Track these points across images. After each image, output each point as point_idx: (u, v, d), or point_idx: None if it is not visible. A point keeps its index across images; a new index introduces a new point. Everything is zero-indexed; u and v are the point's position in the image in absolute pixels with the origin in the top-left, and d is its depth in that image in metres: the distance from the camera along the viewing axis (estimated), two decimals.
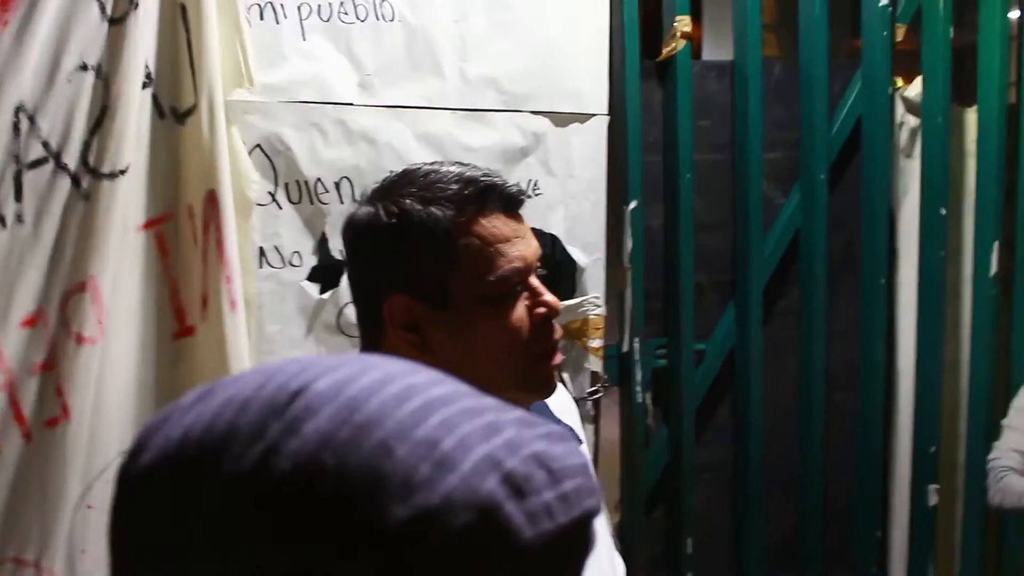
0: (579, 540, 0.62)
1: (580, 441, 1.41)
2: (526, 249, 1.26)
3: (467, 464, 0.57)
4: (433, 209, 1.24)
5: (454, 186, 1.25)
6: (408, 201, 1.25)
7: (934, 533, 3.36)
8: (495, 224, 1.25)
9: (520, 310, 1.25)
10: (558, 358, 1.30)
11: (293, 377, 0.60)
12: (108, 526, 0.62)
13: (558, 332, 1.29)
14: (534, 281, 1.27)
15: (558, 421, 1.40)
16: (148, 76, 2.20)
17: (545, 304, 1.26)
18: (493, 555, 0.56)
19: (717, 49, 3.14)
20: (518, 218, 1.28)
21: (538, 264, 1.29)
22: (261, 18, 2.34)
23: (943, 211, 3.25)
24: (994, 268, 3.26)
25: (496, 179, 1.27)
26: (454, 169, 1.27)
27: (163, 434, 0.60)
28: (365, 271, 1.31)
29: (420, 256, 1.25)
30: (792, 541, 3.22)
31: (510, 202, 1.27)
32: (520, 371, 1.26)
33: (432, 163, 1.30)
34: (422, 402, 0.59)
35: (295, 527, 0.55)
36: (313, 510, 0.55)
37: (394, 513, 0.54)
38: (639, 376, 2.89)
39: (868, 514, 3.29)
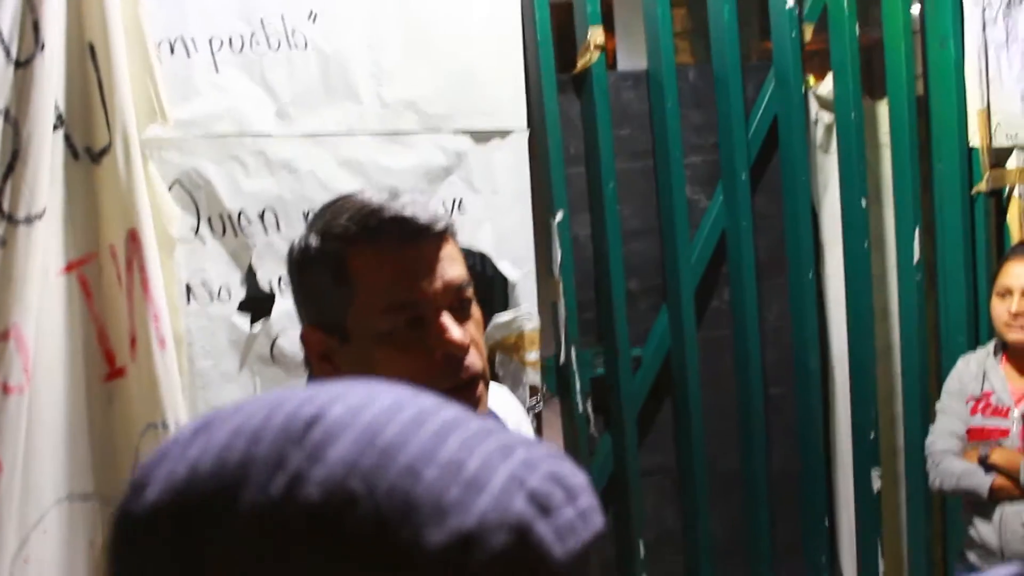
0: (590, 557, 0.61)
1: None
2: (428, 282, 1.20)
3: (495, 484, 0.56)
4: (328, 243, 1.22)
5: (347, 219, 1.21)
6: (312, 235, 1.24)
7: (880, 518, 3.41)
8: (388, 258, 1.20)
9: (417, 348, 1.20)
10: (479, 389, 1.24)
11: (303, 405, 0.58)
12: (108, 570, 0.59)
13: (474, 366, 1.22)
14: (442, 318, 1.20)
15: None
16: (59, 118, 2.17)
17: (444, 344, 1.20)
18: (530, 573, 0.55)
19: (631, 58, 3.18)
20: (425, 249, 1.22)
21: (457, 293, 1.23)
22: (172, 52, 2.33)
23: (864, 203, 3.31)
24: (917, 255, 3.33)
25: (396, 209, 1.21)
26: (362, 199, 1.23)
27: (166, 469, 0.57)
28: (293, 300, 1.31)
29: (320, 291, 1.24)
30: (742, 537, 3.24)
31: (411, 233, 1.21)
32: None
33: (349, 194, 1.27)
34: (439, 424, 0.58)
35: (331, 558, 0.53)
36: (348, 539, 0.53)
37: (431, 538, 0.53)
38: (578, 386, 2.90)
39: (814, 504, 3.33)
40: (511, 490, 0.56)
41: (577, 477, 0.61)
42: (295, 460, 0.55)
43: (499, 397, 1.48)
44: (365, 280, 1.21)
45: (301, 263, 1.25)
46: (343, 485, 0.54)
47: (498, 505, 0.55)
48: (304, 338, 1.28)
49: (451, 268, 1.23)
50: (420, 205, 1.23)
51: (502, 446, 0.59)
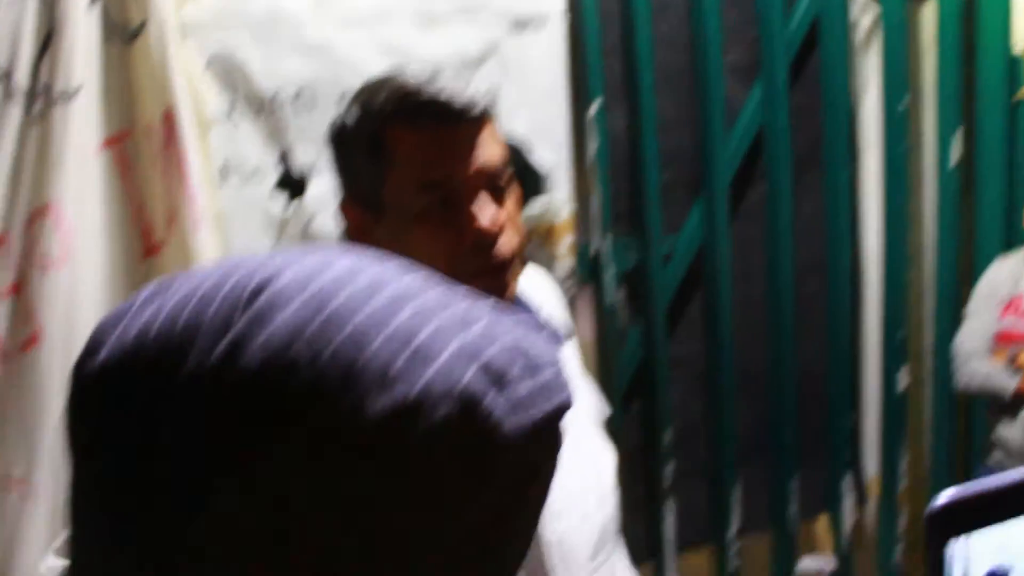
0: (556, 432, 0.60)
1: (565, 336, 1.41)
2: (462, 163, 1.21)
3: (445, 355, 0.55)
4: (366, 120, 1.23)
5: (385, 97, 1.22)
6: (352, 109, 1.26)
7: (905, 418, 3.43)
8: (424, 137, 1.21)
9: (449, 228, 1.22)
10: (508, 273, 1.25)
11: (255, 271, 0.57)
12: (65, 427, 0.59)
13: (504, 249, 1.23)
14: (476, 200, 1.22)
15: (542, 319, 1.40)
16: None
17: (473, 226, 1.21)
18: (475, 446, 0.54)
19: None
20: (462, 131, 1.22)
21: (492, 176, 1.23)
22: None
23: (903, 105, 3.27)
24: (955, 158, 3.30)
25: (433, 91, 1.21)
26: (399, 79, 1.24)
27: (118, 332, 0.57)
28: (334, 176, 1.33)
29: (357, 166, 1.26)
30: (766, 432, 3.28)
31: (448, 114, 1.21)
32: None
33: (391, 72, 1.28)
34: (394, 293, 0.57)
35: (268, 423, 0.52)
36: (286, 405, 0.52)
37: (372, 405, 0.52)
38: (610, 275, 2.91)
39: (839, 403, 3.35)
40: (462, 361, 0.55)
41: (544, 350, 0.60)
42: (239, 326, 0.54)
43: (537, 282, 1.49)
44: (400, 158, 1.22)
45: (339, 138, 1.28)
46: (284, 352, 0.53)
47: (445, 375, 0.54)
48: (343, 210, 1.31)
49: (487, 150, 1.23)
50: (459, 87, 1.23)
51: (463, 315, 0.58)
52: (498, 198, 1.25)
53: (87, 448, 0.58)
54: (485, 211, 1.22)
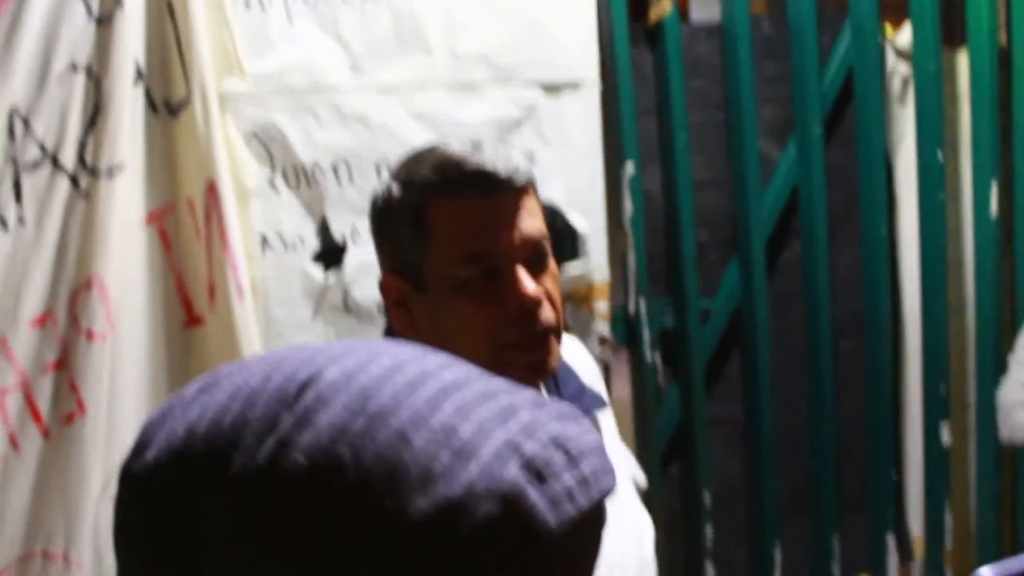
0: (598, 521, 0.61)
1: (604, 403, 1.42)
2: (505, 234, 1.22)
3: (487, 451, 0.55)
4: (409, 193, 1.25)
5: (429, 169, 1.24)
6: (395, 184, 1.27)
7: (948, 473, 3.39)
8: (467, 209, 1.23)
9: (491, 299, 1.23)
10: (551, 342, 1.26)
11: (301, 367, 0.58)
12: (114, 527, 0.60)
13: (547, 319, 1.25)
14: (516, 270, 1.23)
15: (583, 387, 1.41)
16: (138, 72, 2.22)
17: (518, 295, 1.22)
18: (519, 544, 0.54)
19: (704, 9, 3.15)
20: (505, 202, 1.24)
21: (534, 247, 1.25)
22: (247, 7, 2.36)
23: (940, 155, 3.26)
24: (994, 209, 3.28)
25: (476, 162, 1.23)
26: (444, 151, 1.26)
27: (167, 429, 0.58)
28: (375, 249, 1.35)
29: (399, 239, 1.27)
30: (808, 490, 3.25)
31: (492, 185, 1.23)
32: (492, 360, 1.22)
33: (433, 145, 1.30)
34: (436, 388, 0.58)
35: (314, 523, 0.53)
36: (332, 505, 0.53)
37: (416, 505, 0.53)
38: (647, 336, 2.91)
39: (882, 457, 3.31)
40: (504, 456, 0.55)
41: (585, 440, 0.60)
42: (285, 424, 0.55)
43: (573, 351, 1.50)
44: (444, 229, 1.23)
45: (382, 211, 1.29)
46: (330, 451, 0.54)
47: (488, 472, 0.54)
48: (383, 285, 1.32)
49: (529, 221, 1.25)
50: (502, 158, 1.25)
51: (503, 409, 0.58)
52: (538, 269, 1.26)
53: (136, 543, 0.59)
54: (528, 280, 1.23)
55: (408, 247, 1.27)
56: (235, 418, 0.56)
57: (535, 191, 1.29)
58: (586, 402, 1.39)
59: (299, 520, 0.53)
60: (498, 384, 0.62)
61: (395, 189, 1.27)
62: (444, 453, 0.54)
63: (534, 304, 1.23)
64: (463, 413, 0.57)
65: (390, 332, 1.34)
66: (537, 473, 0.56)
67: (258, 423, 0.56)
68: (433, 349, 0.64)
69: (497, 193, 1.24)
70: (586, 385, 1.41)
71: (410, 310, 1.29)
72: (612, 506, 1.44)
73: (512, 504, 0.54)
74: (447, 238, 1.24)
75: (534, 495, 0.55)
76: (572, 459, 0.58)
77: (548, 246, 1.28)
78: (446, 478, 0.54)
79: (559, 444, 0.58)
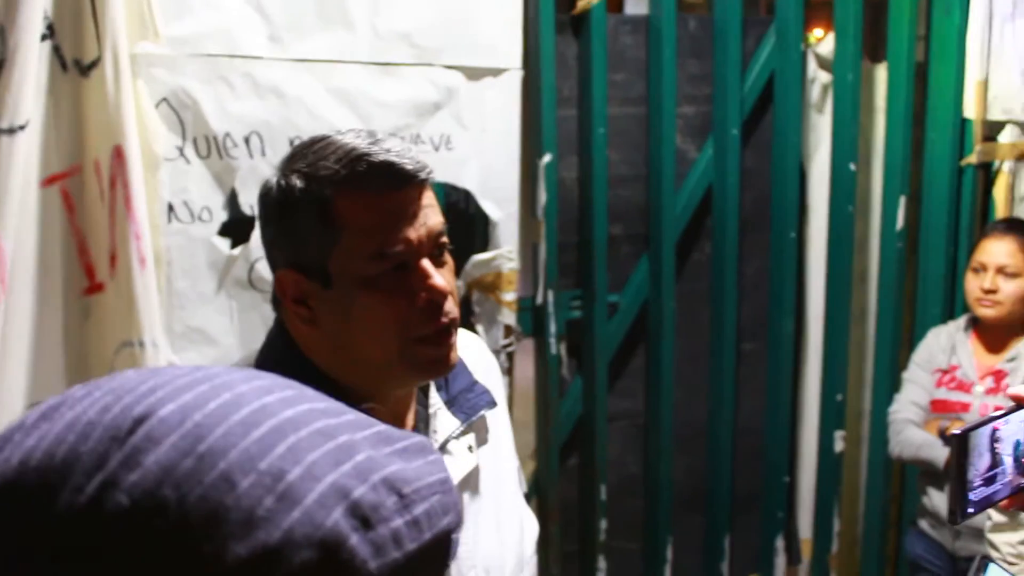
0: (435, 558, 0.61)
1: (493, 402, 1.41)
2: (413, 229, 1.21)
3: (312, 496, 0.55)
4: (314, 186, 1.21)
5: (335, 162, 1.20)
6: (294, 176, 1.22)
7: (840, 478, 3.47)
8: (376, 203, 1.20)
9: (400, 293, 1.21)
10: (452, 337, 1.26)
11: (139, 400, 0.57)
12: None
13: (451, 313, 1.24)
14: (423, 263, 1.22)
15: (474, 383, 1.41)
16: (49, 28, 2.15)
17: (428, 289, 1.22)
18: None
19: (639, 3, 3.15)
20: (411, 194, 1.22)
21: (437, 240, 1.24)
22: None
23: (853, 166, 3.32)
24: (900, 222, 3.35)
25: (383, 155, 1.20)
26: (347, 142, 1.22)
27: (3, 457, 0.57)
28: (264, 241, 1.30)
29: (302, 233, 1.23)
30: (702, 487, 3.30)
31: (399, 179, 1.21)
32: (402, 354, 1.23)
33: (332, 134, 1.25)
34: (271, 427, 0.57)
35: (131, 566, 0.52)
36: (150, 548, 0.52)
37: (234, 550, 0.52)
38: (553, 328, 2.92)
39: (776, 460, 3.38)
40: (329, 502, 0.55)
41: (425, 479, 0.60)
42: (113, 462, 0.54)
43: (468, 345, 1.50)
44: (352, 224, 1.20)
45: (282, 204, 1.24)
46: (154, 492, 0.53)
47: (309, 518, 0.54)
48: (279, 281, 1.27)
49: (433, 215, 1.24)
50: (405, 150, 1.23)
51: (339, 449, 0.58)
52: (440, 262, 1.26)
53: None
54: (435, 274, 1.23)
55: (313, 242, 1.22)
56: (67, 452, 0.55)
57: (432, 184, 1.28)
58: (473, 399, 1.39)
59: (117, 562, 0.52)
60: (345, 420, 0.61)
61: (296, 181, 1.22)
62: (268, 498, 0.54)
63: (442, 296, 1.23)
64: (295, 455, 0.56)
65: (281, 328, 1.31)
66: (363, 518, 0.56)
67: (88, 459, 0.54)
68: (285, 382, 0.63)
69: (403, 186, 1.21)
70: (476, 381, 1.41)
71: (310, 307, 1.26)
72: (495, 497, 1.44)
73: (331, 551, 0.54)
74: (356, 233, 1.20)
75: (355, 540, 0.55)
76: (405, 501, 0.58)
77: (446, 239, 1.28)
78: (267, 524, 0.53)
79: (392, 486, 0.58)
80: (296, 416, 0.59)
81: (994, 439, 1.14)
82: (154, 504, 0.53)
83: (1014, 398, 1.17)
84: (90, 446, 0.55)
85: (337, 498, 0.56)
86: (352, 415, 0.62)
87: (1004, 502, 1.17)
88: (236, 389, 0.59)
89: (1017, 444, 1.17)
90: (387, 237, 1.20)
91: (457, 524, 0.61)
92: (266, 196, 1.27)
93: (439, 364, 1.26)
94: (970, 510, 1.13)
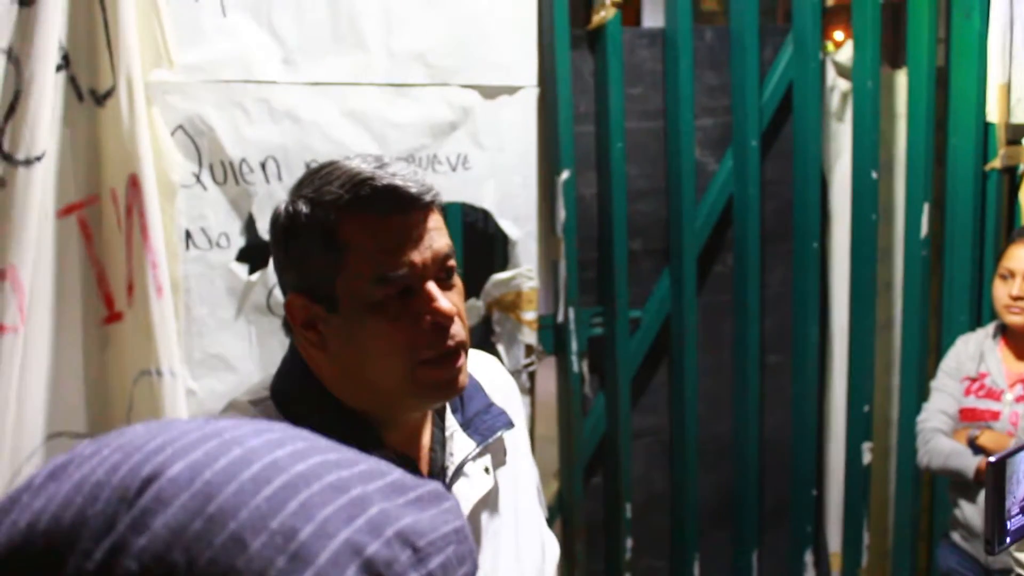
0: None
1: (510, 423, 1.40)
2: (417, 252, 1.21)
3: (325, 555, 0.54)
4: (319, 211, 1.21)
5: (340, 187, 1.20)
6: (301, 201, 1.23)
7: (868, 490, 3.43)
8: (381, 227, 1.20)
9: (406, 317, 1.21)
10: (461, 359, 1.25)
11: (148, 458, 0.56)
12: None
13: (457, 336, 1.24)
14: (428, 287, 1.22)
15: (490, 404, 1.40)
16: (64, 58, 2.15)
17: (433, 312, 1.21)
18: None
19: (656, 16, 3.13)
20: (416, 218, 1.22)
21: (444, 263, 1.24)
22: None
23: (875, 174, 3.29)
24: (925, 229, 3.31)
25: (387, 179, 1.20)
26: (352, 167, 1.22)
27: (11, 520, 0.56)
28: (275, 267, 1.31)
29: (309, 259, 1.23)
30: (729, 502, 3.27)
31: (403, 202, 1.21)
32: (409, 378, 1.22)
33: (340, 159, 1.26)
34: (283, 483, 0.56)
35: None
36: None
37: None
38: (574, 346, 2.90)
39: (804, 474, 3.34)
40: (342, 561, 0.54)
41: (440, 529, 0.59)
42: (122, 525, 0.53)
43: (484, 367, 1.49)
44: (356, 248, 1.20)
45: (289, 229, 1.25)
46: (164, 556, 0.52)
47: None
48: (288, 306, 1.28)
49: (439, 238, 1.24)
50: (411, 174, 1.23)
51: (352, 503, 0.57)
52: (447, 285, 1.25)
53: None
54: (441, 297, 1.22)
55: (319, 267, 1.23)
56: (75, 515, 0.54)
57: (440, 207, 1.28)
58: (490, 420, 1.38)
59: None
60: (356, 471, 0.60)
61: (303, 207, 1.23)
62: (280, 559, 0.53)
63: (448, 320, 1.22)
64: (307, 512, 0.55)
65: (295, 354, 1.31)
66: (377, 575, 0.55)
67: (96, 522, 0.54)
68: (297, 433, 0.62)
69: (408, 210, 1.22)
70: (492, 403, 1.40)
71: (319, 331, 1.26)
72: (514, 527, 1.43)
73: None
74: (361, 257, 1.21)
75: None
76: (420, 555, 0.57)
77: (454, 262, 1.27)
78: None
79: (407, 540, 0.57)
80: (308, 470, 0.58)
81: None
82: (164, 569, 0.52)
83: None
84: (98, 508, 0.54)
85: (350, 555, 0.54)
86: (365, 464, 0.61)
87: None
88: (247, 444, 0.58)
89: None
90: (391, 261, 1.20)
91: (472, 573, 0.60)
92: (275, 222, 1.28)
93: (447, 387, 1.25)
94: (1008, 539, 1.10)
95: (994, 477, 1.08)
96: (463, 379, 1.27)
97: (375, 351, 1.22)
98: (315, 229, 1.21)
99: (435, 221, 1.25)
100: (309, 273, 1.24)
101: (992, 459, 1.08)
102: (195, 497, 0.54)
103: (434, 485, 0.63)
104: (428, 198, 1.23)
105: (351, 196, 1.20)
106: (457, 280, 1.28)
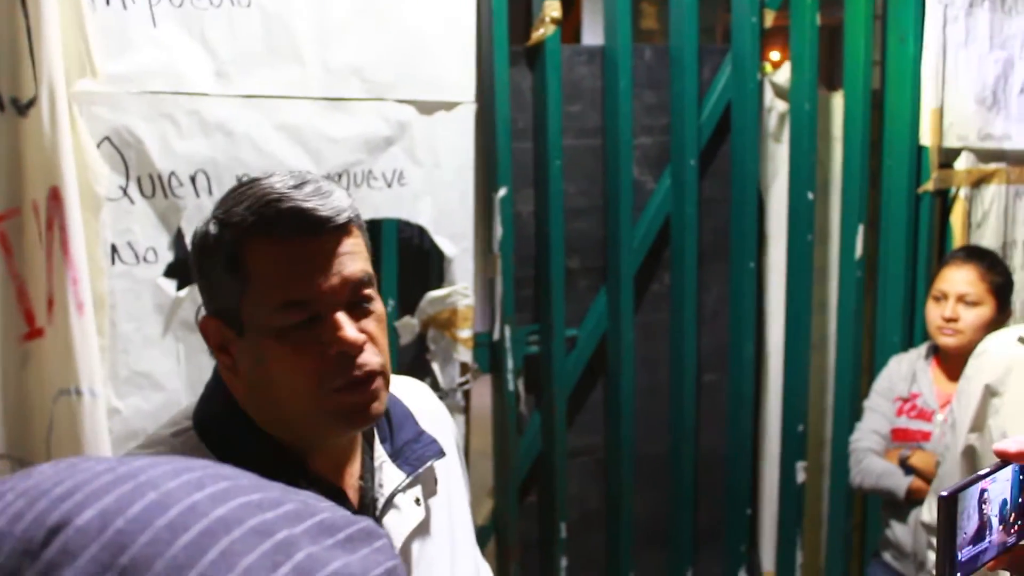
0: None
1: (440, 452, 1.37)
2: (323, 278, 1.17)
3: None
4: (226, 232, 1.17)
5: (246, 208, 1.16)
6: (212, 222, 1.20)
7: (802, 509, 3.44)
8: (284, 252, 1.16)
9: (312, 345, 1.17)
10: (374, 385, 1.21)
11: (54, 505, 0.52)
12: None
13: (367, 364, 1.20)
14: (336, 315, 1.18)
15: (420, 433, 1.37)
16: None
17: (338, 341, 1.17)
18: None
19: (596, 33, 3.12)
20: (323, 243, 1.18)
21: (356, 290, 1.19)
22: (107, 3, 2.23)
23: (811, 195, 3.31)
24: (859, 250, 3.34)
25: (293, 201, 1.15)
26: (264, 187, 1.17)
27: None
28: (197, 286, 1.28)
29: (217, 280, 1.20)
30: (664, 521, 3.26)
31: (309, 226, 1.16)
32: (317, 406, 1.18)
33: (262, 177, 1.21)
34: (201, 530, 0.53)
35: None
36: None
37: None
38: (510, 364, 2.88)
39: (738, 492, 3.35)
40: None
41: (371, 571, 0.57)
42: None
43: (414, 393, 1.46)
44: (259, 273, 1.17)
45: (200, 249, 1.21)
46: None
47: None
48: (203, 328, 1.25)
49: (351, 263, 1.19)
50: (324, 195, 1.18)
51: (276, 548, 0.54)
52: (361, 312, 1.21)
53: None
54: (348, 326, 1.18)
55: (226, 290, 1.19)
56: None
57: (361, 229, 1.23)
58: (420, 450, 1.34)
59: None
60: (281, 513, 0.56)
61: (212, 227, 1.19)
62: None
63: (354, 349, 1.18)
64: (228, 560, 0.52)
65: (218, 377, 1.27)
66: None
67: None
68: (218, 470, 0.58)
69: (314, 234, 1.17)
70: (423, 431, 1.37)
71: (231, 354, 1.22)
72: (449, 556, 1.40)
73: None
74: (263, 282, 1.16)
75: None
76: None
77: (372, 288, 1.22)
78: None
79: None
80: (228, 514, 0.54)
81: (982, 499, 1.11)
82: None
83: (1000, 454, 1.13)
84: (2, 559, 0.50)
85: None
86: (291, 504, 0.58)
87: (991, 563, 1.14)
88: (163, 487, 0.54)
89: (1004, 503, 1.13)
90: (292, 287, 1.16)
91: None
92: (192, 241, 1.24)
93: (360, 412, 1.21)
94: (959, 574, 1.09)
95: (946, 511, 1.06)
96: (377, 406, 1.22)
97: (281, 378, 1.18)
98: (221, 251, 1.18)
99: (349, 245, 1.20)
100: (217, 295, 1.21)
101: (944, 493, 1.06)
102: (106, 548, 0.50)
103: (365, 523, 0.60)
104: (339, 221, 1.18)
105: (254, 219, 1.16)
106: (376, 306, 1.23)
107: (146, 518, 0.52)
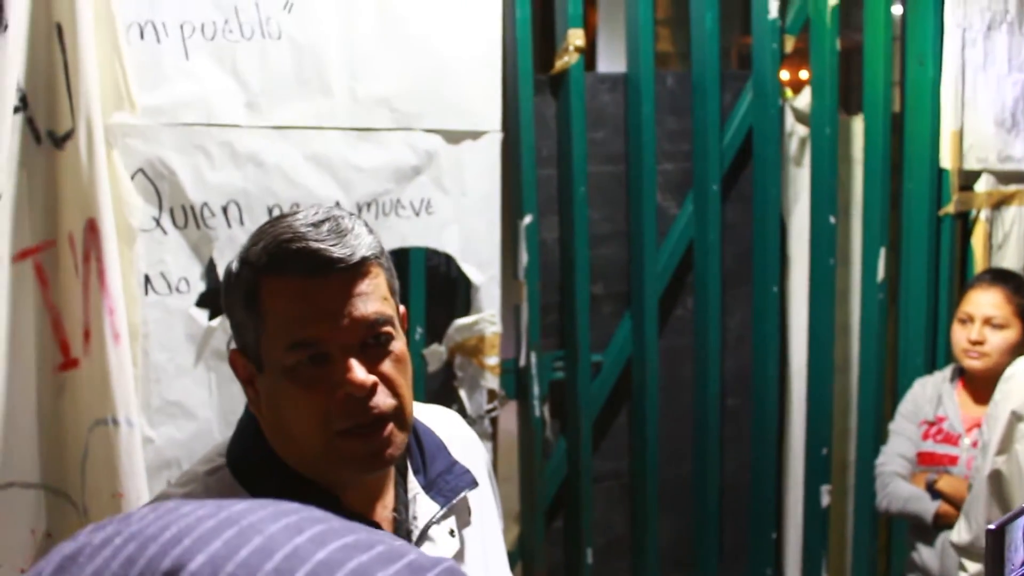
0: None
1: (474, 482, 1.38)
2: (333, 319, 1.17)
3: None
4: (245, 271, 1.20)
5: (263, 247, 1.18)
6: (236, 259, 1.23)
7: (827, 532, 3.44)
8: (295, 292, 1.17)
9: (322, 385, 1.17)
10: (386, 430, 1.20)
11: (165, 550, 0.54)
12: None
13: (378, 407, 1.19)
14: (345, 357, 1.17)
15: (453, 464, 1.37)
16: (22, 100, 2.11)
17: (346, 383, 1.16)
18: None
19: (611, 60, 3.15)
20: (335, 282, 1.17)
21: (369, 330, 1.19)
22: (141, 37, 2.26)
23: (832, 219, 3.32)
24: (881, 273, 3.35)
25: (307, 241, 1.16)
26: (285, 225, 1.18)
27: None
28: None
29: (239, 316, 1.22)
30: (690, 545, 3.26)
31: (320, 266, 1.16)
32: (327, 448, 1.19)
33: (284, 216, 1.22)
34: (305, 574, 0.55)
35: None
36: None
37: None
38: (536, 390, 2.89)
39: (763, 516, 3.35)
40: None
41: None
42: None
43: (446, 423, 1.45)
44: (273, 312, 1.18)
45: (225, 286, 1.24)
46: None
47: None
48: (231, 361, 1.27)
49: (363, 305, 1.19)
50: (340, 234, 1.18)
51: None
52: (377, 353, 1.20)
53: None
54: (357, 368, 1.17)
55: (246, 326, 1.21)
56: None
57: (382, 267, 1.23)
58: (453, 481, 1.35)
59: None
60: (375, 554, 0.58)
61: (234, 264, 1.22)
62: None
63: (362, 391, 1.17)
64: None
65: (249, 412, 1.28)
66: None
67: None
68: (313, 517, 0.60)
69: (325, 274, 1.17)
70: (455, 462, 1.37)
71: (256, 389, 1.24)
72: (482, 568, 1.40)
73: None
74: (276, 322, 1.17)
75: None
76: None
77: (393, 327, 1.21)
78: None
79: None
80: (329, 558, 0.56)
81: None
82: None
83: None
84: None
85: None
86: (383, 546, 0.59)
87: None
88: (266, 531, 0.57)
89: None
90: (301, 327, 1.17)
91: None
92: (222, 277, 1.27)
93: (370, 459, 1.20)
94: None
95: (994, 545, 1.07)
96: (392, 451, 1.22)
97: (292, 417, 1.20)
98: (240, 289, 1.21)
99: (364, 285, 1.20)
100: (239, 332, 1.24)
101: (992, 526, 1.07)
102: None
103: (448, 563, 0.61)
104: (352, 261, 1.18)
105: (268, 258, 1.17)
106: (395, 346, 1.22)
107: (255, 563, 0.54)
